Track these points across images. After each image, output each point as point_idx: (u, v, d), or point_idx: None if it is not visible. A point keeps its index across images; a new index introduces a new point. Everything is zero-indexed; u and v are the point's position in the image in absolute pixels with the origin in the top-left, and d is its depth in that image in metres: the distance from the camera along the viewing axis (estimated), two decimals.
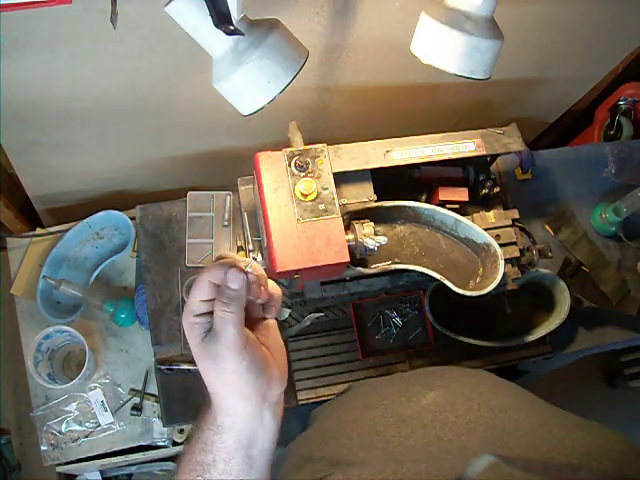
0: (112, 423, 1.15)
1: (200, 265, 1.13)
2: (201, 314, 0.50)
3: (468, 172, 1.04)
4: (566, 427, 0.56)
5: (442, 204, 1.00)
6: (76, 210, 1.30)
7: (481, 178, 1.04)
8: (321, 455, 0.65)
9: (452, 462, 0.54)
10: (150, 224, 1.14)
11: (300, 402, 1.09)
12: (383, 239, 0.88)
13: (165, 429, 1.16)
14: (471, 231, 0.96)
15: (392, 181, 0.98)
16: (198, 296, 0.50)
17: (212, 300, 0.50)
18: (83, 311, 1.17)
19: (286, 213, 0.86)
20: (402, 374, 0.83)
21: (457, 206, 1.01)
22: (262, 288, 0.53)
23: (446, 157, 0.96)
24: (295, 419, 1.23)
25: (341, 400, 0.85)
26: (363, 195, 0.95)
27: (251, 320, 0.55)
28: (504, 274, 0.92)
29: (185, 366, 1.06)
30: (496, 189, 1.03)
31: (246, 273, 0.50)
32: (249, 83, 0.68)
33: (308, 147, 0.91)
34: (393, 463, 0.56)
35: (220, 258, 0.52)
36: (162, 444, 1.18)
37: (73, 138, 1.09)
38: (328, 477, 0.57)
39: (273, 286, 0.54)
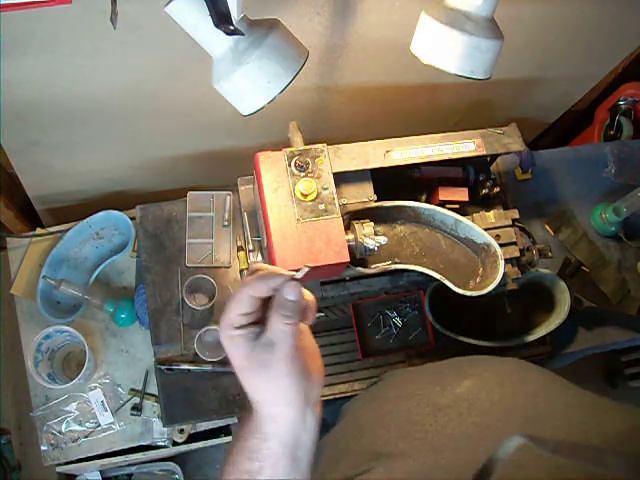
0: (112, 423, 1.15)
1: (200, 265, 1.13)
2: (241, 326, 0.50)
3: (468, 172, 1.04)
4: (600, 409, 0.57)
5: (442, 204, 1.00)
6: (76, 210, 1.30)
7: (481, 178, 1.04)
8: (358, 448, 0.66)
9: (491, 449, 0.54)
10: (150, 224, 1.14)
11: None
12: (383, 239, 0.88)
13: (165, 429, 1.16)
14: (471, 231, 0.96)
15: (392, 181, 0.98)
16: (238, 310, 0.49)
17: (250, 313, 0.50)
18: (83, 311, 1.17)
19: (286, 213, 0.86)
20: (432, 364, 0.83)
21: (457, 206, 1.01)
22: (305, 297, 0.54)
23: (446, 157, 0.96)
24: None
25: (373, 393, 0.85)
26: (363, 195, 0.95)
27: None
28: (504, 274, 0.92)
29: (185, 366, 1.06)
30: (496, 189, 1.03)
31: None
32: (249, 83, 0.68)
33: (308, 147, 0.91)
34: (433, 453, 0.57)
35: (255, 271, 0.52)
36: (162, 444, 1.18)
37: (73, 138, 1.09)
38: (370, 471, 0.57)
39: (307, 293, 0.54)
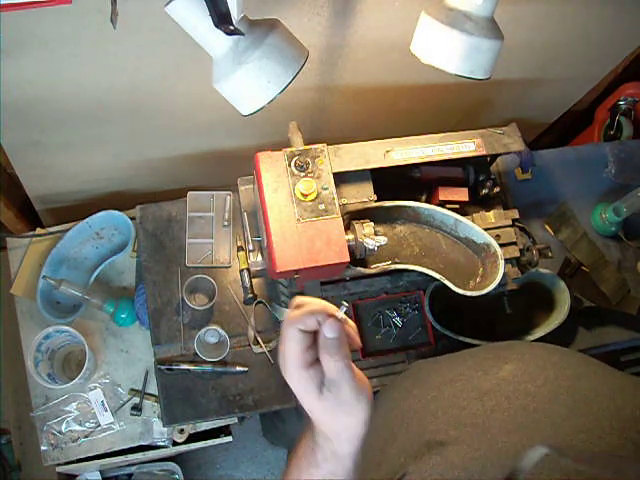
0: (112, 423, 1.15)
1: (200, 265, 1.13)
2: (308, 364, 0.52)
3: (468, 172, 1.04)
4: None
5: (442, 204, 1.00)
6: (76, 210, 1.30)
7: (481, 178, 1.04)
8: (407, 436, 0.66)
9: (542, 431, 0.54)
10: (150, 224, 1.14)
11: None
12: (383, 239, 0.88)
13: (165, 429, 1.16)
14: (471, 231, 0.96)
15: (392, 181, 0.98)
16: (297, 347, 0.51)
17: (310, 348, 0.52)
18: (83, 311, 1.17)
19: (286, 213, 0.86)
20: (469, 350, 0.83)
21: (457, 206, 1.01)
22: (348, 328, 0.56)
23: (446, 157, 0.96)
24: (297, 419, 1.23)
25: (412, 380, 0.85)
26: (363, 195, 0.95)
27: None
28: (504, 274, 0.92)
29: (185, 366, 1.06)
30: (496, 189, 1.03)
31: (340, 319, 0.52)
32: (249, 83, 0.68)
33: (308, 147, 0.91)
34: (486, 438, 0.57)
35: (297, 306, 0.53)
36: (162, 444, 1.18)
37: (73, 138, 1.09)
38: (425, 459, 0.57)
39: (348, 320, 0.56)
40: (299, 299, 0.53)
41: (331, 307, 0.52)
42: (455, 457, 0.55)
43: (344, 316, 0.53)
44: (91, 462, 1.16)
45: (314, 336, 0.52)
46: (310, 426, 0.57)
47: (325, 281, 1.01)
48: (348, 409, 0.53)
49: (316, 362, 0.52)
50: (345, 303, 0.53)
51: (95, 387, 1.15)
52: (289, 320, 0.52)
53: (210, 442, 1.24)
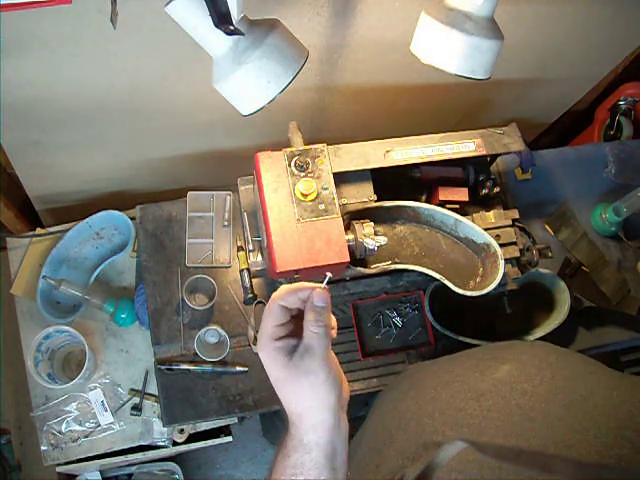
0: (112, 423, 1.15)
1: (200, 265, 1.13)
2: (280, 337, 0.53)
3: (468, 172, 1.04)
4: (639, 388, 0.58)
5: (442, 204, 1.00)
6: (76, 210, 1.30)
7: (481, 178, 1.04)
8: (404, 437, 0.66)
9: (538, 430, 0.55)
10: (150, 224, 1.14)
11: None
12: (383, 239, 0.88)
13: (165, 429, 1.16)
14: (471, 231, 0.96)
15: (392, 181, 0.98)
16: (273, 322, 0.53)
17: (285, 324, 0.54)
18: (83, 311, 1.17)
19: (286, 213, 0.86)
20: (466, 351, 0.84)
21: (457, 206, 1.01)
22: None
23: (446, 157, 0.96)
24: None
25: (410, 383, 0.85)
26: (363, 195, 0.95)
27: None
28: (504, 274, 0.92)
29: (185, 366, 1.06)
30: (496, 189, 1.03)
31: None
32: (249, 83, 0.68)
33: (308, 147, 0.91)
34: (484, 439, 0.57)
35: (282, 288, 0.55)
36: (162, 444, 1.18)
37: (73, 138, 1.09)
38: (422, 460, 0.57)
39: (331, 316, 0.58)
40: (283, 285, 0.55)
41: (314, 284, 0.55)
42: (454, 458, 0.56)
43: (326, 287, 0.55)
44: (91, 462, 1.16)
45: (291, 316, 0.54)
46: (286, 417, 0.57)
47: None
48: (314, 381, 0.52)
49: (287, 337, 0.54)
50: (328, 274, 0.56)
51: (95, 387, 1.15)
52: (272, 298, 0.54)
53: (210, 442, 1.24)
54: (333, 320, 0.57)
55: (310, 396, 0.53)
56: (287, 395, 0.54)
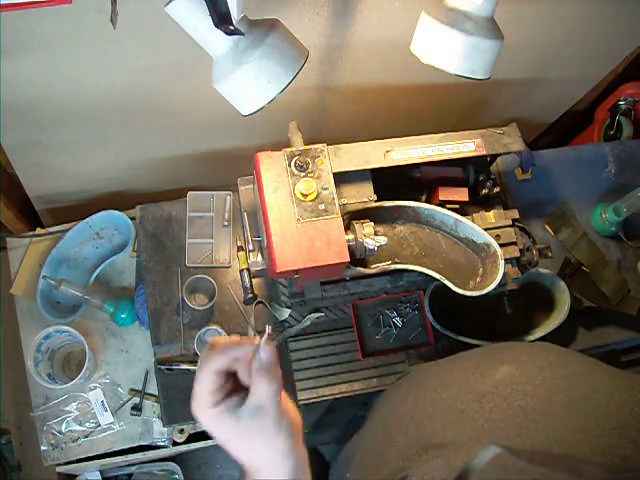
0: (112, 423, 1.15)
1: (200, 265, 1.12)
2: (218, 402, 0.50)
3: (468, 172, 1.04)
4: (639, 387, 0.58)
5: (442, 204, 1.00)
6: (76, 210, 1.30)
7: (481, 178, 1.04)
8: (404, 439, 0.66)
9: (541, 431, 0.54)
10: (150, 224, 1.14)
11: (300, 402, 1.09)
12: (383, 239, 0.88)
13: (165, 429, 1.16)
14: (471, 231, 0.96)
15: (392, 181, 0.98)
16: (207, 388, 0.50)
17: (220, 388, 0.50)
18: (83, 311, 1.17)
19: (286, 213, 0.86)
20: (467, 352, 0.83)
21: (457, 206, 1.01)
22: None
23: (446, 157, 0.96)
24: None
25: (409, 385, 0.85)
26: (363, 195, 0.95)
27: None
28: (504, 274, 0.92)
29: (185, 366, 1.06)
30: (496, 189, 1.03)
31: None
32: (249, 83, 0.68)
33: (308, 147, 0.91)
34: (486, 440, 0.57)
35: (212, 346, 0.52)
36: (162, 444, 1.18)
37: (73, 138, 1.09)
38: (425, 462, 0.57)
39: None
40: (212, 339, 0.52)
41: (249, 338, 0.52)
42: (455, 459, 0.55)
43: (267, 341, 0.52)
44: (91, 462, 1.16)
45: (227, 374, 0.51)
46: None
47: (325, 281, 1.02)
48: (268, 436, 0.50)
49: (227, 395, 0.51)
50: (268, 326, 0.52)
51: (95, 387, 1.15)
52: (201, 361, 0.51)
53: (210, 442, 1.24)
54: (278, 371, 0.53)
55: (265, 450, 0.51)
56: (240, 453, 0.52)
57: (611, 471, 0.44)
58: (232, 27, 0.63)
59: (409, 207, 0.96)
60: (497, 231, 1.00)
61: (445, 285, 0.93)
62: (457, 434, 0.60)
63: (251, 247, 1.09)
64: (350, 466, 0.75)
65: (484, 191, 1.03)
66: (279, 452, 0.51)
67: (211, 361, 0.50)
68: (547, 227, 1.23)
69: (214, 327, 1.08)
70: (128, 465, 1.45)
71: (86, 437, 1.14)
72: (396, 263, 0.96)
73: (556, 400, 0.59)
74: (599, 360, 0.69)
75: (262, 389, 0.49)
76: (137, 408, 1.15)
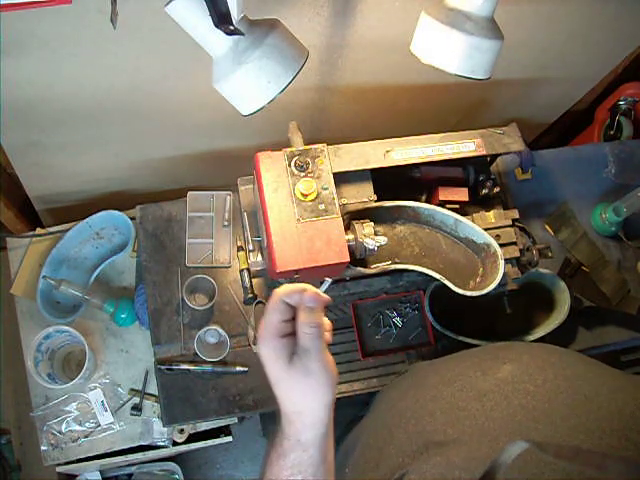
0: (112, 423, 1.15)
1: (200, 265, 1.12)
2: (284, 335, 0.54)
3: (468, 172, 1.04)
4: None
5: (442, 204, 1.00)
6: (76, 210, 1.30)
7: (481, 178, 1.04)
8: (404, 435, 0.66)
9: (542, 430, 0.55)
10: (150, 224, 1.14)
11: None
12: (383, 239, 0.88)
13: (165, 429, 1.16)
14: (471, 231, 0.96)
15: (392, 181, 0.98)
16: (278, 317, 0.54)
17: (288, 321, 0.54)
18: (83, 311, 1.17)
19: (286, 213, 0.86)
20: (468, 351, 0.84)
21: (457, 206, 1.01)
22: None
23: (446, 157, 0.96)
24: None
25: (410, 381, 0.86)
26: (363, 195, 0.95)
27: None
28: (504, 274, 0.92)
29: (185, 366, 1.06)
30: (496, 189, 1.03)
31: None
32: (249, 83, 0.68)
33: (308, 147, 0.91)
34: (487, 439, 0.57)
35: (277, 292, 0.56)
36: (162, 444, 1.18)
37: (73, 138, 1.09)
38: (424, 459, 0.57)
39: (326, 319, 0.58)
40: (287, 285, 0.55)
41: (314, 288, 0.55)
42: (456, 457, 0.55)
43: (324, 295, 0.56)
44: (91, 462, 1.16)
45: (294, 312, 0.54)
46: (279, 417, 0.57)
47: None
48: (314, 382, 0.53)
49: (289, 335, 0.54)
50: (328, 279, 0.57)
51: (95, 387, 1.15)
52: (276, 293, 0.54)
53: (210, 442, 1.24)
54: (327, 323, 0.57)
55: (310, 396, 0.54)
56: (286, 395, 0.54)
57: (633, 467, 0.44)
58: (232, 27, 0.63)
59: (409, 207, 0.96)
60: (497, 231, 1.00)
61: (445, 285, 0.93)
62: (458, 432, 0.60)
63: (251, 247, 1.08)
64: (349, 459, 0.75)
65: (484, 191, 1.03)
66: (321, 402, 0.54)
67: (284, 294, 0.53)
68: (547, 227, 1.23)
69: (214, 327, 1.08)
70: (128, 465, 1.45)
71: (86, 437, 1.14)
72: (396, 263, 0.96)
73: (558, 400, 0.59)
74: (600, 360, 0.69)
75: (304, 331, 0.53)
76: (137, 408, 1.15)
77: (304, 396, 0.54)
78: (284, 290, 0.54)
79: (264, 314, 0.55)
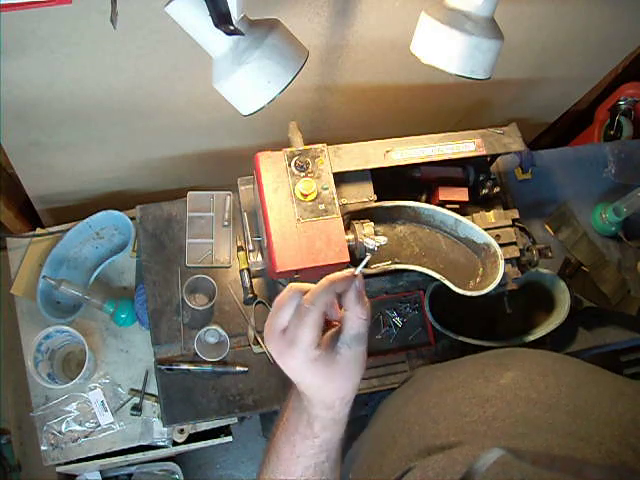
0: (112, 423, 1.15)
1: (200, 265, 1.12)
2: (320, 342, 0.52)
3: (468, 172, 1.04)
4: None
5: (442, 204, 1.00)
6: (76, 210, 1.30)
7: (481, 178, 1.04)
8: (407, 441, 0.67)
9: (543, 436, 0.55)
10: (150, 224, 1.14)
11: None
12: (383, 239, 0.88)
13: (165, 429, 1.16)
14: (471, 231, 0.96)
15: (392, 181, 0.98)
16: (315, 331, 0.50)
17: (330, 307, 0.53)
18: (83, 311, 1.17)
19: (286, 213, 0.86)
20: (471, 357, 0.84)
21: (457, 206, 1.01)
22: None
23: (446, 157, 0.96)
24: None
25: (414, 388, 0.86)
26: (363, 195, 0.95)
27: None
28: (504, 274, 0.92)
29: (185, 366, 1.06)
30: (496, 189, 1.03)
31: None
32: (249, 83, 0.68)
33: (308, 147, 0.91)
34: (488, 444, 0.57)
35: (291, 289, 0.54)
36: (162, 444, 1.18)
37: (73, 138, 1.09)
38: (431, 458, 0.58)
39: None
40: (316, 290, 0.52)
41: (346, 272, 0.53)
42: (458, 455, 0.56)
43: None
44: (91, 462, 1.16)
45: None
46: (295, 404, 0.57)
47: None
48: (359, 366, 0.53)
49: (322, 333, 0.52)
50: (365, 259, 0.54)
51: (95, 387, 1.15)
52: (311, 302, 0.50)
53: (210, 442, 1.24)
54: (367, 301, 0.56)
55: (352, 380, 0.54)
56: (328, 390, 0.53)
57: (612, 473, 0.44)
58: (232, 27, 0.63)
59: (409, 207, 0.96)
60: (497, 231, 1.00)
61: (445, 285, 0.93)
62: (460, 438, 0.60)
63: (251, 247, 1.09)
64: (352, 466, 0.76)
65: (484, 191, 1.03)
66: (356, 384, 0.54)
67: (320, 303, 0.50)
68: (547, 227, 1.23)
69: (214, 327, 1.08)
70: (128, 465, 1.45)
71: (86, 437, 1.14)
72: (396, 263, 0.96)
73: (559, 407, 0.59)
74: (600, 360, 0.70)
75: (360, 317, 0.51)
76: (137, 408, 1.15)
77: (347, 380, 0.53)
78: (319, 299, 0.50)
79: (296, 326, 0.50)
